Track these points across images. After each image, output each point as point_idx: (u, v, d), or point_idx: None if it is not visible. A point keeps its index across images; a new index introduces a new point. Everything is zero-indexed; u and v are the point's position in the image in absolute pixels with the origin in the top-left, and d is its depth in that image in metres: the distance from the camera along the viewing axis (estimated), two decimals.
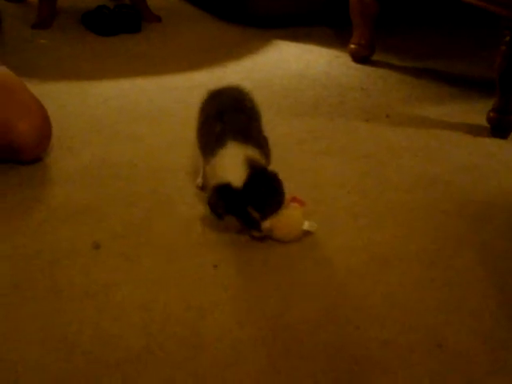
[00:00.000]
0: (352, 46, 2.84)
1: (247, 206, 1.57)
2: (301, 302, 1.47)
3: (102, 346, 1.33)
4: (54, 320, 1.39)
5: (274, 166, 1.68)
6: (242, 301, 1.46)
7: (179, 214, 1.76)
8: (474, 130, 2.26)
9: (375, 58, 2.85)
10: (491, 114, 2.21)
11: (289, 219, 1.64)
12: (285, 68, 2.79)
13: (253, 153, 1.62)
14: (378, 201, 1.85)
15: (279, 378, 1.27)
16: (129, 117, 2.30)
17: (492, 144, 2.18)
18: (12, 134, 1.88)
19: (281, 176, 1.62)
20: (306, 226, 1.66)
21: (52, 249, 1.61)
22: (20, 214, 1.76)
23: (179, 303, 1.45)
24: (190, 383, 1.26)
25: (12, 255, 1.59)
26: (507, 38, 2.11)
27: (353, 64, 2.83)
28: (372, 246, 1.66)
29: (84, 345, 1.33)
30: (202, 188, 1.85)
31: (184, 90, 2.50)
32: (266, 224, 1.59)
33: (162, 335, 1.35)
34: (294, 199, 1.67)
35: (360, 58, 2.82)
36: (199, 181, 1.86)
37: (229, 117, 1.69)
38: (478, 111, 2.34)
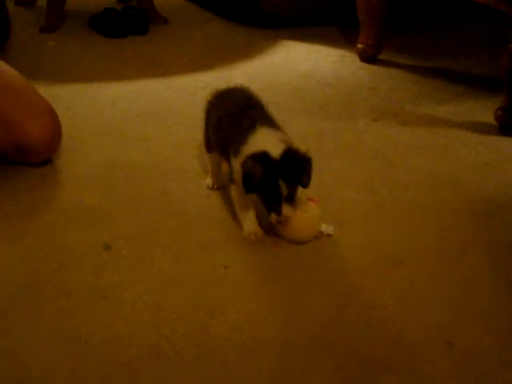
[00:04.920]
0: (359, 45, 2.84)
1: (280, 177, 1.55)
2: (311, 300, 1.47)
3: (114, 345, 1.34)
4: (65, 321, 1.40)
5: None
6: (252, 300, 1.47)
7: (189, 215, 1.76)
8: (481, 129, 2.26)
9: (382, 57, 2.85)
10: (499, 112, 2.21)
11: (308, 220, 1.64)
12: (292, 68, 2.79)
13: (285, 137, 1.62)
14: (386, 200, 1.85)
15: (290, 377, 1.27)
16: (137, 118, 2.31)
17: (500, 142, 2.18)
18: (22, 137, 1.89)
19: None
20: (324, 227, 1.67)
21: (63, 250, 1.62)
22: (30, 215, 1.77)
23: (190, 303, 1.45)
24: (201, 382, 1.26)
25: (23, 257, 1.60)
26: None
27: (360, 63, 2.83)
28: (381, 245, 1.66)
29: (96, 345, 1.34)
30: (212, 188, 1.86)
31: (192, 91, 2.51)
32: (287, 210, 1.57)
33: (173, 335, 1.36)
34: (311, 199, 1.67)
35: (367, 57, 2.82)
36: (209, 182, 1.87)
37: (252, 111, 1.69)
38: (485, 109, 2.34)
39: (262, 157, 1.55)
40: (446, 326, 1.40)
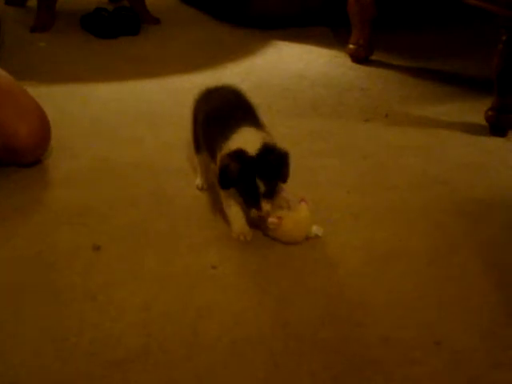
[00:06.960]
0: (351, 46, 2.84)
1: (256, 174, 1.55)
2: (300, 300, 1.47)
3: (103, 346, 1.33)
4: (54, 321, 1.40)
5: None
6: (240, 300, 1.47)
7: (179, 215, 1.76)
8: (472, 129, 2.26)
9: (374, 57, 2.85)
10: (489, 113, 2.21)
11: (299, 221, 1.64)
12: (284, 68, 2.80)
13: (267, 136, 1.62)
14: (377, 200, 1.85)
15: (279, 376, 1.27)
16: (128, 118, 2.31)
17: (490, 142, 2.19)
18: (11, 137, 1.88)
19: None
20: (314, 229, 1.66)
21: (52, 250, 1.62)
22: (20, 216, 1.76)
23: (178, 303, 1.45)
24: (190, 382, 1.26)
25: (12, 257, 1.60)
26: (504, 37, 2.11)
27: (352, 64, 2.83)
28: (372, 245, 1.66)
29: (84, 346, 1.33)
30: (202, 189, 1.86)
31: (183, 92, 2.51)
32: (267, 206, 1.58)
33: (162, 335, 1.36)
34: (303, 200, 1.67)
35: (359, 58, 2.83)
36: (198, 182, 1.87)
37: (239, 110, 1.68)
38: (476, 110, 2.34)
39: (238, 154, 1.56)
40: (435, 326, 1.40)
